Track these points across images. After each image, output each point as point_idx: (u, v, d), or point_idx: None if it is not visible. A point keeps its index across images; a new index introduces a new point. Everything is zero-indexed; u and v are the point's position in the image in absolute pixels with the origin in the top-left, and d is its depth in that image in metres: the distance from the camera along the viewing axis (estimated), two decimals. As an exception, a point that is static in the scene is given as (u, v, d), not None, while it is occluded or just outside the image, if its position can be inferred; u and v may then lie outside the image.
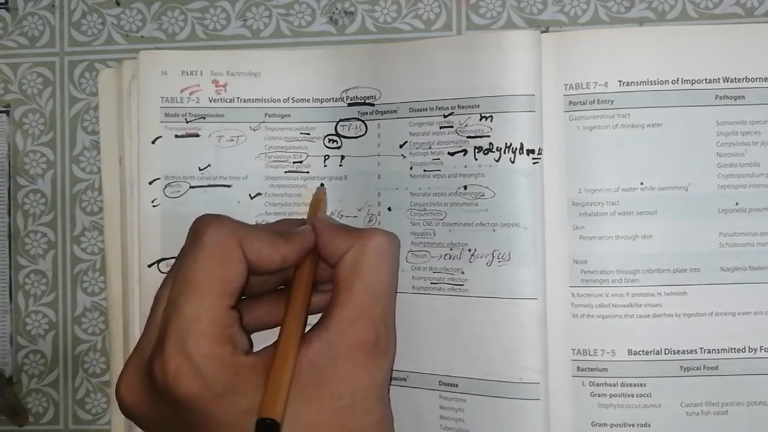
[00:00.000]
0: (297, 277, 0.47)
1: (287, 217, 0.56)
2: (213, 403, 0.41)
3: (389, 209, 0.55)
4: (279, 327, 0.46)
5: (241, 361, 0.42)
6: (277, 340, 0.44)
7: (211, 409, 0.41)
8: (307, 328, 0.46)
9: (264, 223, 0.55)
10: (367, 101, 0.56)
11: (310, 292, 0.47)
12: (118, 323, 0.57)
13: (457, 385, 0.53)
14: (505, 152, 0.52)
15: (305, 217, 0.54)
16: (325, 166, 0.56)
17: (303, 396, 0.43)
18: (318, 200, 0.54)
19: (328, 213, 0.56)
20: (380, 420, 0.46)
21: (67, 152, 0.59)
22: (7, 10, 0.60)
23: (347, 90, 0.56)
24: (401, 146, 0.55)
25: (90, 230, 0.59)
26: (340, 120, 0.56)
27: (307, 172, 0.56)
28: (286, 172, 0.56)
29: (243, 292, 0.45)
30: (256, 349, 0.45)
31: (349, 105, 0.56)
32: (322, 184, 0.56)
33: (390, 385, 0.47)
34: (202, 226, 0.45)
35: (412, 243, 0.54)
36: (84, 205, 0.59)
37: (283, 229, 0.49)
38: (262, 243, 0.45)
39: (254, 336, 0.48)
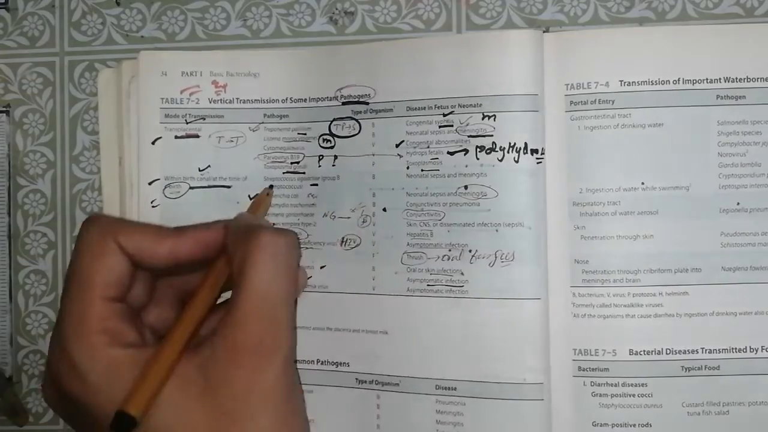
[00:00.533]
0: (205, 276, 0.47)
1: (285, 219, 0.55)
2: (93, 398, 0.41)
3: (384, 210, 0.55)
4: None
5: (117, 354, 0.42)
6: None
7: (93, 403, 0.41)
8: None
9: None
10: (360, 100, 0.55)
11: (213, 293, 0.46)
12: (118, 324, 0.57)
13: (455, 389, 0.53)
14: (508, 152, 0.52)
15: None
16: (320, 166, 0.56)
17: (189, 400, 0.42)
18: (258, 201, 0.53)
19: (321, 214, 0.56)
20: (269, 429, 0.43)
21: (67, 152, 0.59)
22: (7, 10, 0.60)
23: (341, 89, 0.56)
24: (397, 145, 0.55)
25: (90, 230, 0.59)
26: (334, 119, 0.56)
27: (304, 173, 0.56)
28: (284, 172, 0.56)
29: (132, 285, 0.45)
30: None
31: (343, 104, 0.56)
32: (271, 186, 0.56)
33: (294, 392, 0.45)
34: (82, 226, 0.45)
35: (408, 244, 0.54)
36: (84, 205, 0.59)
37: (206, 227, 0.48)
38: (142, 236, 0.44)
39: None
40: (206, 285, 0.46)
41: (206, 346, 0.43)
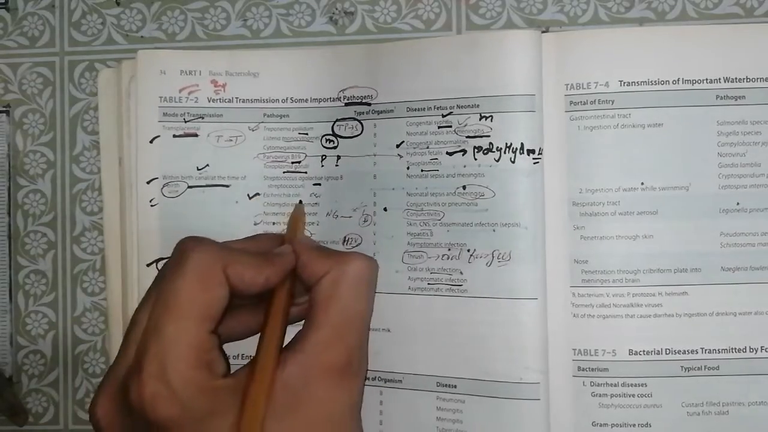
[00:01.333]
0: (275, 298, 0.47)
1: (284, 220, 0.56)
2: (190, 427, 0.41)
3: (385, 209, 0.55)
4: (252, 335, 0.46)
5: (219, 384, 0.42)
6: (253, 361, 0.44)
7: (191, 428, 0.41)
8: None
9: (247, 236, 0.54)
10: (363, 101, 0.55)
11: (287, 314, 0.47)
12: (118, 323, 0.57)
13: (455, 386, 0.53)
14: (505, 152, 0.52)
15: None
16: (322, 166, 0.56)
17: (276, 418, 0.42)
18: (296, 218, 0.53)
19: (324, 213, 0.56)
20: None
21: (67, 152, 0.59)
22: (7, 10, 0.60)
23: (344, 90, 0.56)
24: (398, 146, 0.55)
25: (90, 230, 0.59)
26: (337, 120, 0.56)
27: (305, 173, 0.56)
28: (284, 172, 0.56)
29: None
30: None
31: (346, 105, 0.56)
32: (300, 201, 0.56)
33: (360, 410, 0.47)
34: (185, 249, 0.44)
35: (408, 243, 0.54)
36: (84, 205, 0.59)
37: (262, 245, 0.49)
38: (245, 267, 0.45)
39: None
40: (279, 307, 0.47)
41: (291, 364, 0.44)
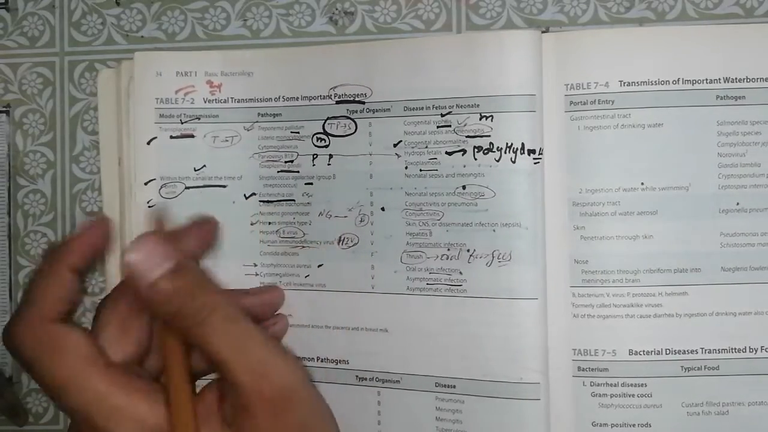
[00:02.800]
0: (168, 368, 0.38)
1: (281, 218, 0.56)
2: None
3: (382, 209, 0.55)
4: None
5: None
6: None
7: None
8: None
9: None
10: (356, 99, 0.55)
11: (188, 372, 0.38)
12: (118, 323, 0.57)
13: (454, 386, 0.53)
14: (505, 152, 0.52)
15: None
16: (314, 165, 0.56)
17: None
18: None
19: (317, 213, 0.56)
20: None
21: (67, 152, 0.59)
22: (7, 10, 0.60)
23: (334, 87, 0.56)
24: (395, 145, 0.55)
25: (90, 230, 0.59)
26: (328, 118, 0.56)
27: (298, 172, 0.56)
28: (278, 171, 0.56)
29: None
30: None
31: (338, 103, 0.56)
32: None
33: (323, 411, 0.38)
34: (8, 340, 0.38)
35: (407, 243, 0.54)
36: (84, 205, 0.59)
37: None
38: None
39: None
40: (175, 370, 0.38)
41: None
